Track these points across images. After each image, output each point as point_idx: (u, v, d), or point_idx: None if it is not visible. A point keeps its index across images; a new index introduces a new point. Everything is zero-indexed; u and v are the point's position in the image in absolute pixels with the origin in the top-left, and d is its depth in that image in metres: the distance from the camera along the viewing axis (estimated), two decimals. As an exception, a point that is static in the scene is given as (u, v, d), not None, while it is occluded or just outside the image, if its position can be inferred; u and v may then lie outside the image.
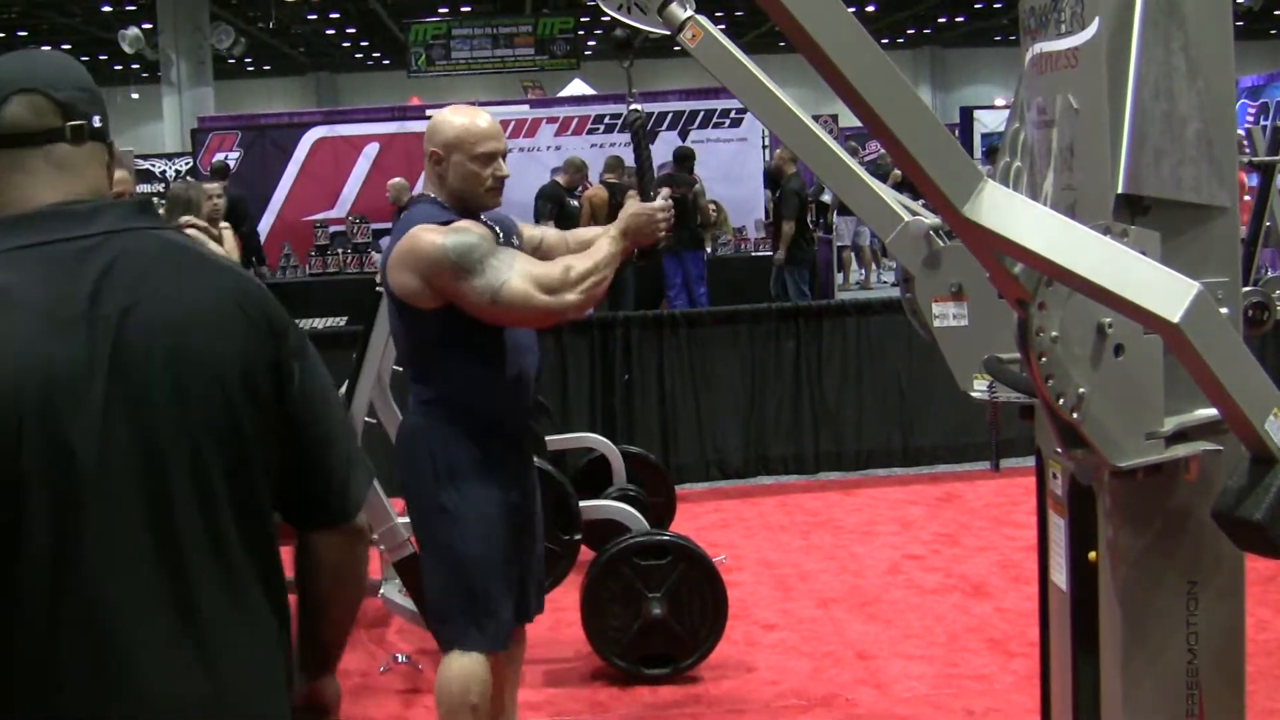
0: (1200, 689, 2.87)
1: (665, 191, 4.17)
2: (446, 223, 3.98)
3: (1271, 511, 2.34)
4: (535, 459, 5.47)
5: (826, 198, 17.83)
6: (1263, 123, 18.20)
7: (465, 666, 4.06)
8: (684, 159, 14.76)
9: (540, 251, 4.36)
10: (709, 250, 15.44)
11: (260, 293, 2.15)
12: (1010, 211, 2.34)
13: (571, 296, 3.87)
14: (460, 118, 4.12)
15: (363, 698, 5.36)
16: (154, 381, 2.00)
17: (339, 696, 2.48)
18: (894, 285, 19.25)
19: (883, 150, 15.98)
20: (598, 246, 4.02)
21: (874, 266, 20.49)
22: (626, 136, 17.36)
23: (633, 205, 4.11)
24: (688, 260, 14.16)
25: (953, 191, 2.31)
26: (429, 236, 3.91)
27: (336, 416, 2.27)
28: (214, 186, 11.80)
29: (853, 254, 20.10)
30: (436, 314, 3.97)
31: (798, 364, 8.80)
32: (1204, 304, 2.29)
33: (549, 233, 4.56)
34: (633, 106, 4.29)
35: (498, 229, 4.19)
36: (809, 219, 16.43)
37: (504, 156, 4.14)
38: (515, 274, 3.84)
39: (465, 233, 3.91)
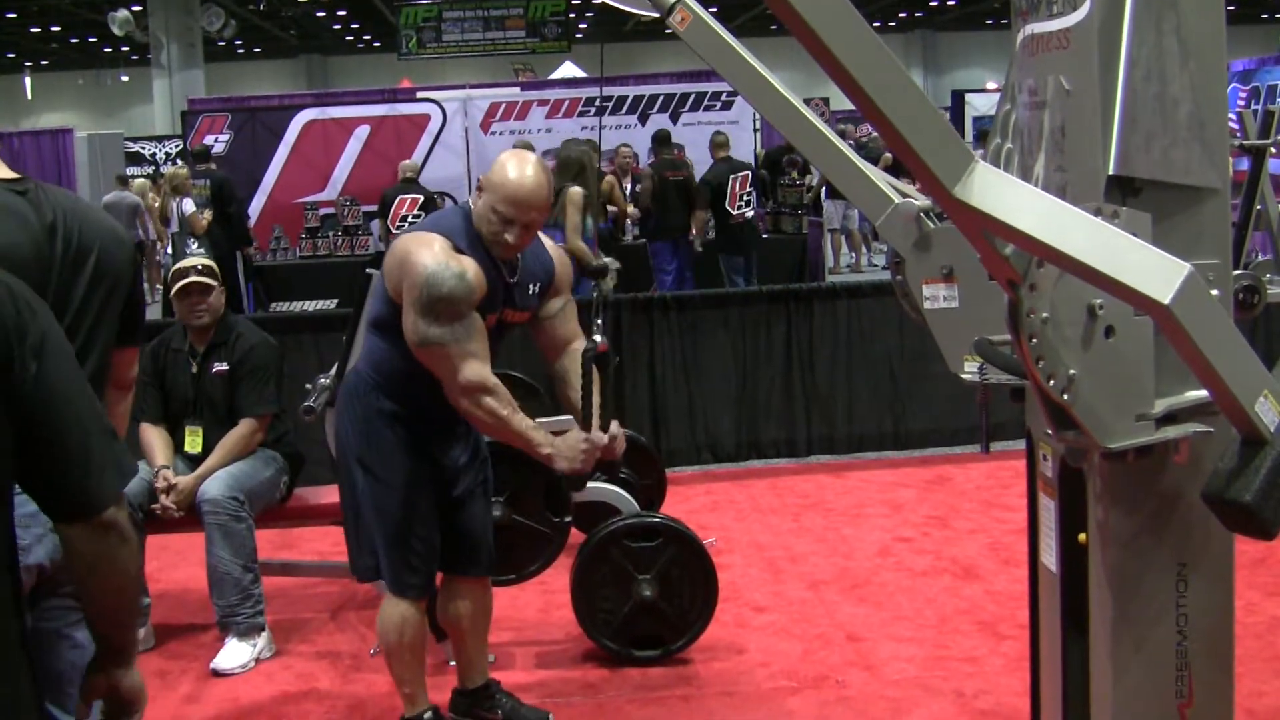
0: (1189, 671, 2.87)
1: (616, 430, 4.48)
2: (461, 249, 4.22)
3: (1262, 493, 2.34)
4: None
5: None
6: (1254, 107, 18.20)
7: (397, 611, 4.51)
8: (663, 141, 14.75)
9: (546, 324, 4.66)
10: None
11: (6, 294, 2.25)
12: (1001, 192, 2.33)
13: (465, 403, 4.23)
14: (511, 170, 4.27)
15: (353, 680, 5.36)
16: None
17: (139, 690, 2.58)
18: (884, 269, 19.23)
19: (873, 134, 15.97)
20: (530, 429, 4.33)
21: (864, 250, 20.47)
22: (616, 119, 17.40)
23: (574, 436, 4.41)
24: (683, 246, 14.13)
25: (944, 172, 2.31)
26: (425, 256, 4.16)
27: (80, 413, 2.33)
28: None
29: (843, 237, 20.09)
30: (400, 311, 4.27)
31: (788, 347, 8.81)
32: (1195, 285, 2.28)
33: (568, 319, 4.72)
34: (594, 337, 4.49)
35: (519, 272, 4.43)
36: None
37: (528, 229, 4.26)
38: (455, 346, 4.14)
39: (457, 279, 4.15)
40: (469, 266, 4.16)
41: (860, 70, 2.25)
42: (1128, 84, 2.65)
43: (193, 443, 5.77)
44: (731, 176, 13.83)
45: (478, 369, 4.15)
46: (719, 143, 14.47)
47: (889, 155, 16.58)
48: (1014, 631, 5.44)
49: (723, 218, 13.99)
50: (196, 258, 6.16)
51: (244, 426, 5.73)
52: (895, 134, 2.29)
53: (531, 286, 4.48)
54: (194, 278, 5.76)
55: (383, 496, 4.40)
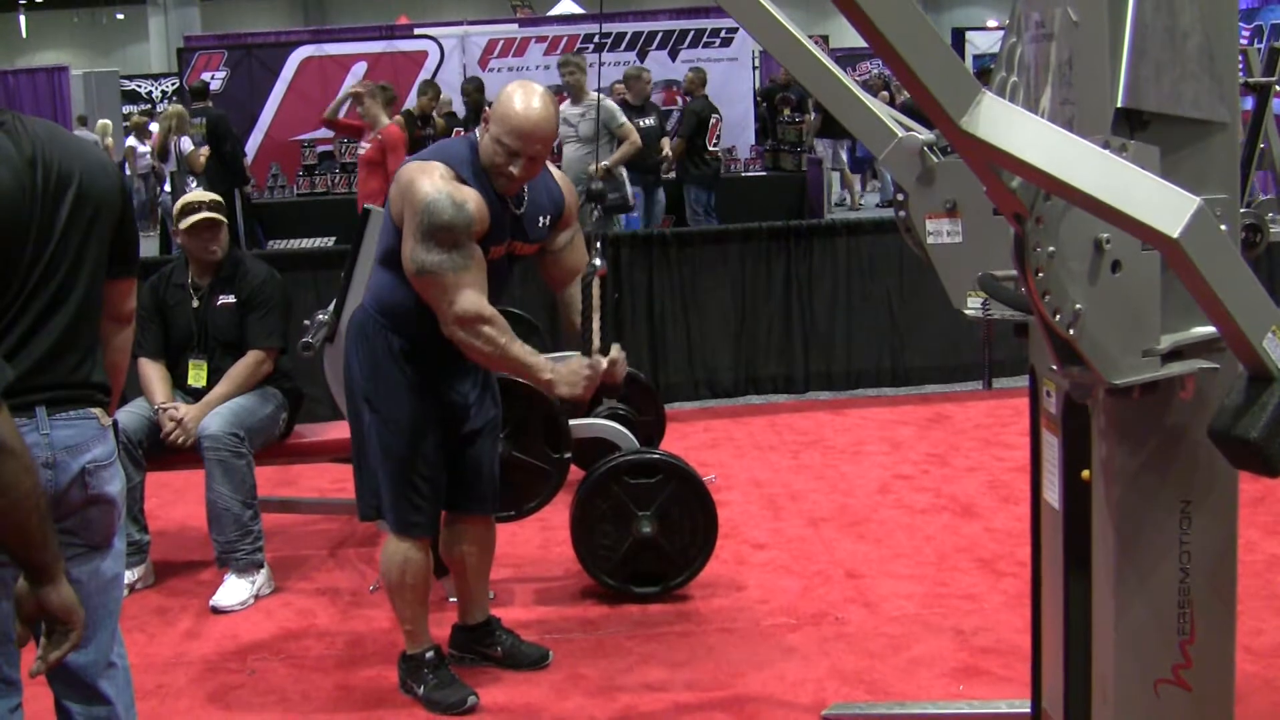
0: (1192, 608, 2.87)
1: (617, 354, 4.43)
2: (464, 179, 4.18)
3: (1268, 430, 2.33)
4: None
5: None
6: (1256, 45, 18.11)
7: (400, 550, 4.52)
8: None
9: (555, 255, 4.64)
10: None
11: None
12: (1009, 124, 2.30)
13: (461, 334, 4.17)
14: (518, 101, 4.21)
15: (353, 616, 5.37)
16: None
17: (70, 606, 2.55)
18: (879, 206, 19.19)
19: (873, 72, 15.87)
20: (528, 355, 4.26)
21: (857, 187, 20.35)
22: (615, 56, 17.30)
23: (576, 362, 4.34)
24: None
25: (951, 104, 2.28)
26: (426, 183, 4.13)
27: None
28: None
29: (835, 175, 20.00)
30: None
31: (788, 284, 8.80)
32: (1204, 219, 2.26)
33: (577, 249, 4.67)
34: (594, 260, 4.42)
35: (525, 204, 4.38)
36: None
37: (533, 161, 4.21)
38: (451, 275, 4.11)
39: (458, 208, 4.12)
40: (470, 197, 4.12)
41: (868, 1, 2.21)
42: (1137, 15, 2.62)
43: (196, 376, 5.76)
44: (713, 115, 13.86)
45: (474, 299, 4.10)
46: (704, 80, 14.43)
47: (886, 93, 16.51)
48: (1013, 569, 5.44)
49: (700, 151, 13.95)
50: (204, 193, 6.14)
51: (251, 357, 5.71)
52: (903, 65, 2.25)
53: (541, 219, 4.43)
54: (206, 214, 5.73)
55: (388, 436, 4.37)
